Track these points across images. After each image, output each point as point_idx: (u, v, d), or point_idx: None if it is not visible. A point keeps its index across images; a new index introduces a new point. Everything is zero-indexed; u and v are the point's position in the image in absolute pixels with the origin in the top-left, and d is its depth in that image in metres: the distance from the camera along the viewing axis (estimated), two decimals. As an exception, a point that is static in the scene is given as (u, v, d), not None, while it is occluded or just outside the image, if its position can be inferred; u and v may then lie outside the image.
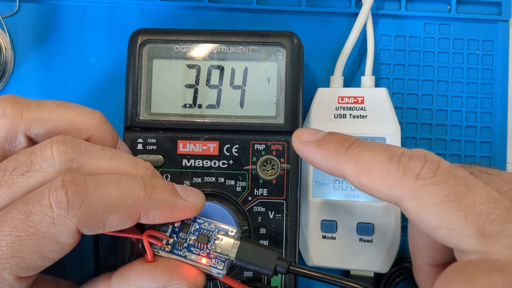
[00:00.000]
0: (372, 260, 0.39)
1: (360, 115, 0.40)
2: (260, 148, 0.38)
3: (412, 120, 0.44)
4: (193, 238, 0.31)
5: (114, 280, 0.30)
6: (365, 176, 0.28)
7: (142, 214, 0.29)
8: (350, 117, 0.40)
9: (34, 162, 0.28)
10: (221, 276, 0.31)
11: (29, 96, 0.32)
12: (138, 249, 0.33)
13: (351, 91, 0.41)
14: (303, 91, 0.39)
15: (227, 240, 0.31)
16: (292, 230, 0.37)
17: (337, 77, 0.42)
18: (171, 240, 0.31)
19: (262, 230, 0.37)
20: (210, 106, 0.39)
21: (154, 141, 0.38)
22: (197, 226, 0.32)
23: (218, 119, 0.38)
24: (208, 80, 0.39)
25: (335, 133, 0.31)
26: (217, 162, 0.38)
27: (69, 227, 0.27)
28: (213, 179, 0.38)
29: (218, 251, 0.31)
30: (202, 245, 0.31)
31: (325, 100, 0.41)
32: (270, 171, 0.38)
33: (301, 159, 0.38)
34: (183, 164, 0.38)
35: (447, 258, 0.31)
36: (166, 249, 0.31)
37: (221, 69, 0.39)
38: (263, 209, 0.37)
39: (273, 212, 0.37)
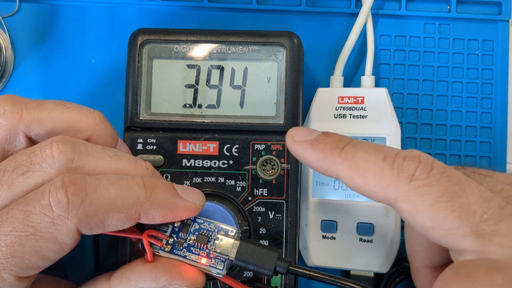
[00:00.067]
0: (372, 260, 0.39)
1: (360, 115, 0.40)
2: (260, 148, 0.38)
3: (412, 120, 0.44)
4: (193, 238, 0.31)
5: (114, 280, 0.30)
6: (359, 177, 0.28)
7: (142, 214, 0.29)
8: (350, 117, 0.40)
9: (34, 162, 0.28)
10: (221, 276, 0.31)
11: (29, 96, 0.32)
12: (138, 249, 0.33)
13: (351, 91, 0.41)
14: (303, 91, 0.39)
15: (227, 240, 0.31)
16: (292, 230, 0.37)
17: (337, 77, 0.42)
18: (171, 240, 0.31)
19: (262, 230, 0.37)
20: (210, 106, 0.39)
21: (154, 141, 0.38)
22: (197, 226, 0.32)
23: (218, 119, 0.38)
24: (208, 80, 0.39)
25: (329, 133, 0.31)
26: (217, 162, 0.38)
27: (69, 227, 0.27)
28: (213, 179, 0.38)
29: (218, 251, 0.31)
30: (202, 245, 0.31)
31: (325, 100, 0.41)
32: (270, 171, 0.38)
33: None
34: (183, 164, 0.38)
35: (444, 259, 0.31)
36: (166, 249, 0.31)
37: (221, 69, 0.39)
38: (263, 209, 0.37)
39: (273, 212, 0.37)
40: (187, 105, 0.39)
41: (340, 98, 0.41)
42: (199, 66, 0.39)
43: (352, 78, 0.45)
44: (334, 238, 0.40)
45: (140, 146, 0.38)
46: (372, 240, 0.39)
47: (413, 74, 0.44)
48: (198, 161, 0.38)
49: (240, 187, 0.38)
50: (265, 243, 0.37)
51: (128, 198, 0.28)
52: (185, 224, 0.32)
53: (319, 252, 0.40)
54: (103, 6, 0.45)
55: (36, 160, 0.28)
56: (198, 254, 0.31)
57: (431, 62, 0.44)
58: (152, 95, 0.39)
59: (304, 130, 0.32)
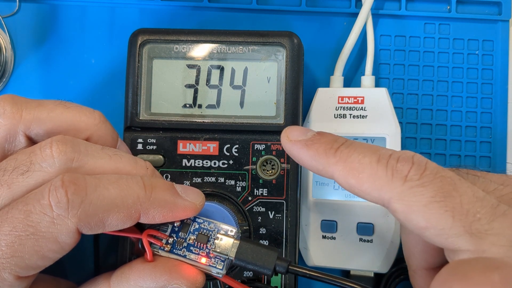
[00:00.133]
0: (372, 260, 0.39)
1: (360, 115, 0.40)
2: (260, 148, 0.38)
3: (412, 120, 0.44)
4: (192, 237, 0.31)
5: (114, 279, 0.30)
6: (353, 178, 0.28)
7: (141, 214, 0.29)
8: (350, 117, 0.40)
9: (34, 162, 0.28)
10: (220, 275, 0.31)
11: (29, 96, 0.32)
12: (138, 248, 0.33)
13: (351, 91, 0.41)
14: (303, 91, 0.39)
15: (226, 239, 0.31)
16: (292, 230, 0.37)
17: (337, 77, 0.42)
18: (170, 240, 0.31)
19: (262, 230, 0.37)
20: (210, 106, 0.39)
21: (154, 141, 0.38)
22: (197, 226, 0.32)
23: (218, 119, 0.38)
24: (208, 80, 0.39)
25: (324, 133, 0.31)
26: (217, 162, 0.38)
27: (69, 226, 0.27)
28: (213, 179, 0.38)
29: (218, 250, 0.31)
30: (202, 244, 0.31)
31: (325, 100, 0.41)
32: (270, 171, 0.38)
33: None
34: (183, 164, 0.38)
35: (441, 261, 0.31)
36: (166, 248, 0.31)
37: (221, 69, 0.39)
38: (263, 209, 0.37)
39: (273, 212, 0.37)
40: (187, 105, 0.39)
41: (340, 98, 0.41)
42: (199, 66, 0.39)
43: (352, 78, 0.45)
44: (334, 238, 0.40)
45: (140, 146, 0.38)
46: (372, 240, 0.39)
47: (413, 74, 0.44)
48: (198, 161, 0.38)
49: (240, 187, 0.38)
50: (265, 243, 0.37)
51: (128, 197, 0.28)
52: (185, 224, 0.32)
53: (319, 252, 0.40)
54: (103, 6, 0.45)
55: (36, 159, 0.28)
56: (198, 254, 0.31)
57: (431, 62, 0.44)
58: (152, 95, 0.39)
59: (299, 130, 0.32)
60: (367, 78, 0.42)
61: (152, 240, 0.31)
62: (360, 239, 0.39)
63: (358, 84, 0.43)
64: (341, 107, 0.41)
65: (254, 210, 0.37)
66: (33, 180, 0.28)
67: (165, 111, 0.39)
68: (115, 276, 0.31)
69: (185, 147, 0.38)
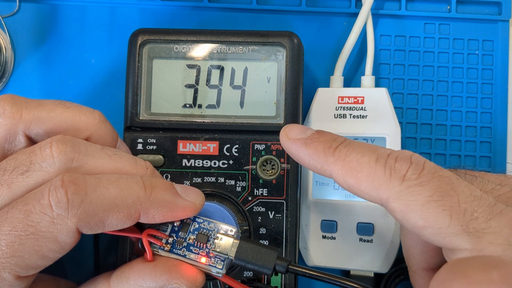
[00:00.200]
0: (372, 260, 0.39)
1: (360, 115, 0.40)
2: (260, 148, 0.38)
3: (412, 120, 0.44)
4: (192, 237, 0.31)
5: (114, 279, 0.30)
6: (352, 177, 0.29)
7: (141, 214, 0.29)
8: (350, 117, 0.40)
9: (34, 162, 0.28)
10: (220, 275, 0.31)
11: (29, 96, 0.32)
12: (138, 248, 0.33)
13: (351, 91, 0.41)
14: (303, 91, 0.39)
15: (226, 239, 0.31)
16: (292, 230, 0.37)
17: (337, 77, 0.42)
18: (170, 240, 0.31)
19: (262, 230, 0.37)
20: (210, 106, 0.39)
21: (154, 141, 0.38)
22: (197, 226, 0.32)
23: (218, 119, 0.38)
24: (208, 80, 0.39)
25: (323, 132, 0.31)
26: (217, 162, 0.38)
27: (69, 226, 0.27)
28: (213, 179, 0.38)
29: (218, 250, 0.31)
30: (202, 244, 0.31)
31: (325, 100, 0.41)
32: (270, 171, 0.38)
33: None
34: (183, 164, 0.38)
35: (440, 261, 0.31)
36: (166, 248, 0.31)
37: (221, 69, 0.39)
38: (263, 209, 0.37)
39: (273, 212, 0.37)
40: (187, 105, 0.39)
41: (340, 98, 0.41)
42: (199, 66, 0.39)
43: (352, 78, 0.45)
44: (334, 238, 0.40)
45: (140, 146, 0.38)
46: (372, 240, 0.39)
47: (413, 74, 0.44)
48: (198, 161, 0.38)
49: (240, 187, 0.38)
50: (265, 243, 0.37)
51: (128, 197, 0.28)
52: (184, 224, 0.32)
53: (319, 252, 0.40)
54: (103, 6, 0.46)
55: (36, 159, 0.28)
56: (198, 254, 0.31)
57: (431, 62, 0.44)
58: (152, 95, 0.39)
59: (298, 128, 0.32)
60: (367, 78, 0.42)
61: (152, 240, 0.31)
62: (360, 239, 0.39)
63: (358, 84, 0.43)
64: (341, 107, 0.41)
65: (254, 210, 0.37)
66: (33, 180, 0.28)
67: (165, 111, 0.39)
68: (115, 276, 0.31)
69: (185, 147, 0.38)
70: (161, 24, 0.45)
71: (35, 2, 0.46)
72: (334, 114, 0.41)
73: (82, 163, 0.29)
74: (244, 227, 0.36)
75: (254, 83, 0.39)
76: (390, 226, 0.39)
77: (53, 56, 0.45)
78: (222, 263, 0.30)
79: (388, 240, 0.39)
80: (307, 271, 0.31)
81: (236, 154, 0.38)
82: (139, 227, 0.31)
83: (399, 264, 0.40)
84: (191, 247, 0.31)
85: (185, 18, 0.46)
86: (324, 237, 0.40)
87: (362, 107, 0.40)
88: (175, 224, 0.32)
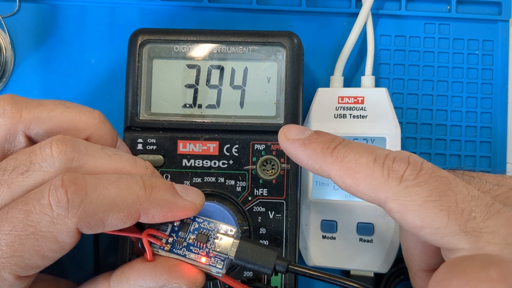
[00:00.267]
0: (372, 260, 0.39)
1: (360, 115, 0.40)
2: (260, 148, 0.38)
3: (412, 120, 0.44)
4: (192, 237, 0.31)
5: (114, 279, 0.30)
6: (350, 178, 0.29)
7: (141, 213, 0.29)
8: (350, 117, 0.40)
9: (34, 162, 0.28)
10: (220, 275, 0.31)
11: (29, 96, 0.32)
12: (138, 248, 0.33)
13: (351, 91, 0.41)
14: (303, 91, 0.39)
15: (226, 239, 0.31)
16: (292, 230, 0.37)
17: (337, 77, 0.42)
18: (170, 239, 0.31)
19: (262, 230, 0.37)
20: (210, 106, 0.39)
21: (154, 141, 0.38)
22: (197, 225, 0.32)
23: (218, 119, 0.38)
24: (208, 80, 0.39)
25: (321, 132, 0.31)
26: (217, 162, 0.38)
27: (69, 226, 0.27)
28: (213, 179, 0.38)
29: (218, 250, 0.31)
30: (202, 244, 0.31)
31: (325, 100, 0.41)
32: (270, 171, 0.38)
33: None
34: (183, 164, 0.38)
35: (440, 262, 0.31)
36: (166, 248, 0.31)
37: (221, 69, 0.39)
38: (263, 209, 0.37)
39: (273, 212, 0.37)
40: (187, 105, 0.39)
41: (340, 98, 0.41)
42: (199, 66, 0.39)
43: (352, 78, 0.45)
44: (334, 238, 0.40)
45: (140, 146, 0.38)
46: (372, 240, 0.39)
47: (413, 74, 0.44)
48: (198, 161, 0.38)
49: (240, 187, 0.38)
50: (265, 243, 0.37)
51: (128, 197, 0.28)
52: (184, 223, 0.32)
53: (319, 252, 0.40)
54: (103, 6, 0.46)
55: (36, 159, 0.28)
56: (198, 253, 0.31)
57: (431, 62, 0.44)
58: (152, 95, 0.39)
59: (296, 128, 0.32)
60: (367, 78, 0.42)
61: (152, 240, 0.31)
62: (360, 239, 0.39)
63: (358, 84, 0.43)
64: (341, 107, 0.41)
65: (254, 210, 0.37)
66: (33, 179, 0.28)
67: (165, 111, 0.39)
68: (115, 276, 0.31)
69: (185, 147, 0.38)
70: (161, 24, 0.45)
71: (35, 2, 0.46)
72: (334, 114, 0.41)
73: (82, 163, 0.29)
74: (244, 227, 0.36)
75: (254, 83, 0.39)
76: (390, 226, 0.39)
77: (53, 56, 0.45)
78: (222, 263, 0.30)
79: (388, 240, 0.39)
80: (307, 271, 0.31)
81: (236, 154, 0.38)
82: (139, 227, 0.31)
83: (399, 264, 0.40)
84: (191, 247, 0.31)
85: (185, 18, 0.46)
86: (324, 237, 0.40)
87: (362, 107, 0.40)
88: (175, 224, 0.32)
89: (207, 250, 0.31)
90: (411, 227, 0.27)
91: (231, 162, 0.38)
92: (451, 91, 0.44)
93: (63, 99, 0.32)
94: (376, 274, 0.40)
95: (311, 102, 0.41)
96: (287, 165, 0.38)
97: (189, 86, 0.39)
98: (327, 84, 0.43)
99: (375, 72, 0.44)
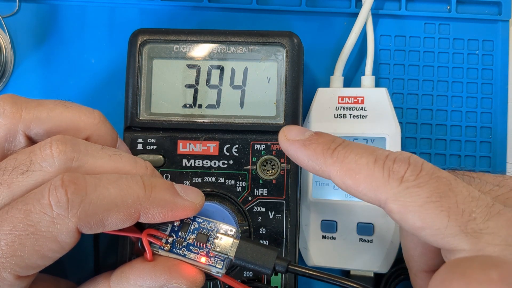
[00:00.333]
0: (372, 260, 0.39)
1: (360, 115, 0.40)
2: (260, 148, 0.38)
3: (412, 120, 0.44)
4: (192, 237, 0.31)
5: (114, 279, 0.30)
6: (350, 178, 0.29)
7: (141, 213, 0.29)
8: (350, 117, 0.40)
9: (34, 162, 0.28)
10: (220, 275, 0.31)
11: (29, 96, 0.32)
12: (138, 248, 0.33)
13: (351, 91, 0.41)
14: (303, 91, 0.39)
15: (226, 239, 0.31)
16: (292, 230, 0.37)
17: (337, 77, 0.42)
18: (170, 239, 0.31)
19: (262, 230, 0.37)
20: (210, 106, 0.39)
21: (154, 141, 0.38)
22: (197, 225, 0.32)
23: (218, 119, 0.38)
24: (208, 80, 0.39)
25: (321, 133, 0.31)
26: (217, 162, 0.38)
27: (69, 226, 0.27)
28: (213, 179, 0.38)
29: (218, 250, 0.31)
30: (202, 244, 0.31)
31: (325, 100, 0.41)
32: (270, 171, 0.38)
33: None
34: (183, 164, 0.38)
35: (440, 263, 0.31)
36: (166, 248, 0.31)
37: (221, 69, 0.39)
38: (263, 209, 0.37)
39: (273, 212, 0.37)
40: (187, 105, 0.39)
41: (340, 98, 0.41)
42: (199, 66, 0.39)
43: (352, 78, 0.45)
44: (334, 238, 0.40)
45: (140, 146, 0.38)
46: (372, 240, 0.39)
47: (413, 74, 0.44)
48: (198, 161, 0.38)
49: (240, 187, 0.38)
50: (265, 243, 0.37)
51: (128, 197, 0.28)
52: (184, 223, 0.32)
53: (319, 252, 0.40)
54: (103, 6, 0.46)
55: (36, 159, 0.28)
56: (198, 253, 0.31)
57: (431, 62, 0.44)
58: (152, 95, 0.39)
59: (297, 129, 0.32)
60: (367, 78, 0.42)
61: (152, 240, 0.31)
62: (360, 239, 0.39)
63: (358, 84, 0.43)
64: (341, 107, 0.41)
65: (254, 210, 0.37)
66: (33, 179, 0.28)
67: (165, 111, 0.39)
68: (115, 276, 0.31)
69: (185, 147, 0.38)
70: (161, 24, 0.45)
71: (35, 2, 0.46)
72: (334, 114, 0.41)
73: (82, 163, 0.29)
74: (244, 227, 0.36)
75: (254, 83, 0.39)
76: (390, 226, 0.39)
77: (53, 56, 0.45)
78: (222, 263, 0.30)
79: (388, 240, 0.39)
80: (307, 271, 0.31)
81: (236, 154, 0.38)
82: (139, 227, 0.31)
83: (399, 264, 0.40)
84: (191, 247, 0.31)
85: (185, 18, 0.46)
86: (324, 237, 0.40)
87: (362, 107, 0.40)
88: (175, 224, 0.32)
89: (207, 250, 0.31)
90: (411, 228, 0.27)
91: (231, 162, 0.38)
92: (451, 91, 0.44)
93: (63, 99, 0.32)
94: (376, 274, 0.40)
95: (311, 102, 0.41)
96: (287, 165, 0.38)
97: (189, 86, 0.39)
98: (327, 84, 0.43)
99: (375, 72, 0.44)
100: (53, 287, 0.33)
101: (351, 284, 0.30)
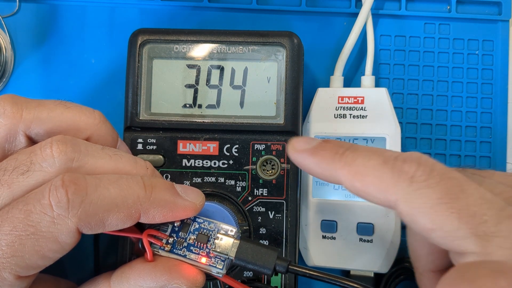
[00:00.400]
0: (372, 260, 0.39)
1: (360, 115, 0.40)
2: (260, 148, 0.38)
3: (412, 120, 0.44)
4: (192, 237, 0.31)
5: (114, 279, 0.30)
6: (359, 181, 0.28)
7: (142, 214, 0.29)
8: (350, 117, 0.40)
9: (34, 162, 0.28)
10: (220, 275, 0.31)
11: (29, 96, 0.32)
12: (138, 248, 0.33)
13: (351, 91, 0.41)
14: (303, 91, 0.38)
15: (226, 239, 0.31)
16: (292, 230, 0.37)
17: (337, 77, 0.42)
18: (170, 240, 0.31)
19: (262, 230, 0.37)
20: (210, 106, 0.39)
21: (154, 141, 0.38)
22: (197, 226, 0.32)
23: (218, 119, 0.38)
24: (208, 80, 0.39)
25: (329, 140, 0.31)
26: (217, 162, 0.38)
27: (69, 226, 0.27)
28: (213, 179, 0.38)
29: (218, 250, 0.31)
30: (202, 244, 0.31)
31: (325, 100, 0.41)
32: (270, 171, 0.38)
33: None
34: (183, 164, 0.38)
35: (447, 263, 0.30)
36: (166, 248, 0.31)
37: (221, 69, 0.39)
38: (263, 209, 0.37)
39: (273, 212, 0.37)
40: (187, 105, 0.39)
41: (340, 98, 0.41)
42: (199, 66, 0.39)
43: (352, 78, 0.45)
44: (334, 238, 0.40)
45: (140, 146, 0.38)
46: (372, 240, 0.39)
47: (413, 74, 0.44)
48: (198, 161, 0.38)
49: (240, 187, 0.38)
50: (265, 243, 0.37)
51: (128, 197, 0.28)
52: (185, 224, 0.32)
53: (319, 252, 0.40)
54: (103, 6, 0.45)
55: (36, 159, 0.28)
56: (198, 254, 0.31)
57: (431, 62, 0.44)
58: (152, 95, 0.39)
59: (304, 140, 0.32)
60: (367, 78, 0.42)
61: (152, 240, 0.31)
62: (360, 239, 0.39)
63: (358, 84, 0.43)
64: (341, 107, 0.41)
65: (254, 210, 0.37)
66: (33, 180, 0.28)
67: (165, 111, 0.39)
68: (115, 276, 0.30)
69: (185, 147, 0.38)
70: (161, 24, 0.45)
71: (35, 2, 0.45)
72: (334, 114, 0.41)
73: (83, 163, 0.29)
74: (244, 227, 0.36)
75: (254, 83, 0.39)
76: (390, 226, 0.39)
77: (53, 56, 0.45)
78: (223, 263, 0.30)
79: (388, 240, 0.39)
80: (308, 271, 0.31)
81: (236, 154, 0.38)
82: (139, 227, 0.31)
83: (399, 264, 0.40)
84: (192, 247, 0.31)
85: (185, 18, 0.46)
86: (324, 237, 0.40)
87: (362, 107, 0.40)
88: (175, 224, 0.32)
89: (208, 250, 0.31)
90: (421, 229, 0.26)
91: (231, 162, 0.38)
92: (451, 91, 0.44)
93: (63, 99, 0.32)
94: (376, 274, 0.40)
95: (311, 102, 0.41)
96: (287, 165, 0.38)
97: (189, 86, 0.39)
98: (327, 84, 0.43)
99: (375, 72, 0.44)
100: (53, 287, 0.33)
101: (351, 284, 0.30)
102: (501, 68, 0.44)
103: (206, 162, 0.38)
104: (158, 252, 0.31)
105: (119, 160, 0.31)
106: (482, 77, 0.44)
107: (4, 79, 0.45)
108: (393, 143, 0.39)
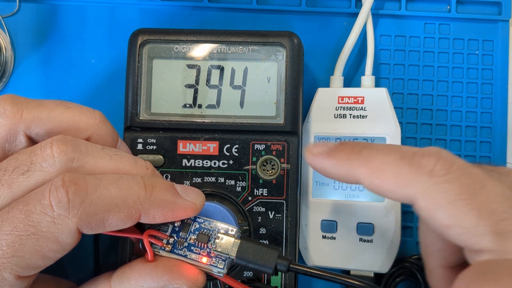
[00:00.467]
0: (372, 260, 0.39)
1: (360, 115, 0.40)
2: (260, 148, 0.38)
3: (412, 120, 0.44)
4: (193, 237, 0.31)
5: (115, 279, 0.30)
6: (377, 178, 0.28)
7: (142, 214, 0.29)
8: (350, 117, 0.40)
9: (35, 162, 0.28)
10: (221, 275, 0.31)
11: (29, 96, 0.32)
12: (138, 248, 0.32)
13: (351, 91, 0.41)
14: (303, 91, 0.39)
15: (227, 239, 0.31)
16: (292, 230, 0.37)
17: (337, 77, 0.42)
18: (171, 240, 0.31)
19: (262, 230, 0.37)
20: (210, 106, 0.39)
21: (154, 141, 0.38)
22: (197, 226, 0.32)
23: (218, 119, 0.38)
24: (208, 80, 0.39)
25: (345, 141, 0.31)
26: (217, 162, 0.38)
27: (70, 226, 0.27)
28: (213, 179, 0.38)
29: (219, 250, 0.31)
30: (203, 244, 0.31)
31: (325, 100, 0.41)
32: (270, 171, 0.38)
33: (301, 159, 0.38)
34: (183, 164, 0.38)
35: (460, 259, 0.30)
36: (167, 248, 0.31)
37: (221, 69, 0.39)
38: (263, 209, 0.37)
39: (273, 212, 0.37)
40: (187, 105, 0.39)
41: (340, 98, 0.41)
42: (199, 66, 0.39)
43: (352, 78, 0.45)
44: (334, 238, 0.40)
45: (140, 146, 0.38)
46: (372, 240, 0.39)
47: (413, 74, 0.44)
48: (198, 161, 0.38)
49: (240, 187, 0.38)
50: (265, 243, 0.37)
51: (129, 197, 0.28)
52: (185, 224, 0.32)
53: (319, 252, 0.40)
54: (103, 6, 0.45)
55: (37, 159, 0.28)
56: (199, 254, 0.31)
57: (431, 62, 0.44)
58: (152, 95, 0.39)
59: (320, 144, 0.31)
60: (367, 78, 0.42)
61: (152, 240, 0.31)
62: (360, 239, 0.39)
63: (358, 84, 0.43)
64: (341, 107, 0.41)
65: (254, 210, 0.37)
66: (33, 180, 0.28)
67: (165, 111, 0.39)
68: (116, 276, 0.30)
69: (185, 147, 0.38)
70: (161, 24, 0.45)
71: (35, 2, 0.45)
72: (334, 114, 0.41)
73: (83, 163, 0.29)
74: (244, 227, 0.36)
75: (254, 83, 0.39)
76: (390, 226, 0.39)
77: (53, 56, 0.45)
78: (223, 263, 0.30)
79: (388, 240, 0.39)
80: (308, 270, 0.31)
81: (236, 154, 0.38)
82: (140, 227, 0.31)
83: (399, 264, 0.40)
84: (192, 247, 0.31)
85: (185, 18, 0.46)
86: (324, 237, 0.40)
87: (362, 107, 0.40)
88: (175, 224, 0.32)
89: (208, 250, 0.31)
90: (439, 225, 0.26)
91: (231, 162, 0.38)
92: (451, 91, 0.44)
93: (63, 99, 0.32)
94: (376, 274, 0.40)
95: (311, 102, 0.41)
96: (287, 165, 0.38)
97: (189, 86, 0.39)
98: (327, 84, 0.43)
99: (375, 72, 0.44)
100: (54, 287, 0.33)
101: (353, 281, 0.30)
102: (501, 68, 0.44)
103: (206, 162, 0.38)
104: (159, 252, 0.31)
105: (119, 160, 0.31)
106: (482, 77, 0.44)
107: (4, 79, 0.45)
108: (393, 143, 0.39)
